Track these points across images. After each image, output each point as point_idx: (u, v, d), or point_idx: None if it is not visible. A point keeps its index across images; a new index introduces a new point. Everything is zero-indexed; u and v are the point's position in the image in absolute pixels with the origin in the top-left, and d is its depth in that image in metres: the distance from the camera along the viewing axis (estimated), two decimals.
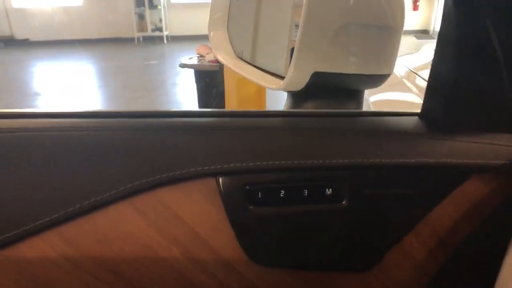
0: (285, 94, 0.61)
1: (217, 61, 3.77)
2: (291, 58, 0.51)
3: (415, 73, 1.35)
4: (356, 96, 0.58)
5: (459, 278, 0.47)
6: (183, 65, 3.92)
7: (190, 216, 0.42)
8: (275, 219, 0.43)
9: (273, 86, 0.55)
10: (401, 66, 1.47)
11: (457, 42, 0.43)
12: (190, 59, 3.89)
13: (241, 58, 0.67)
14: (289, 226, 0.44)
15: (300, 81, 0.52)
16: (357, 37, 0.51)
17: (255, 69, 0.63)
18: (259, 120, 0.46)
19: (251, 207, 0.43)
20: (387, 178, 0.44)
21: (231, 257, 0.44)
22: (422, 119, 0.49)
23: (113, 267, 0.43)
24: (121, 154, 0.41)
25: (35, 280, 0.42)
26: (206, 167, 0.42)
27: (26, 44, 8.27)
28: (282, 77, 0.55)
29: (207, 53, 3.86)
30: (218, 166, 0.42)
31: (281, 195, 0.43)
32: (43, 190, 0.40)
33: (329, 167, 0.43)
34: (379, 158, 0.44)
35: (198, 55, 3.92)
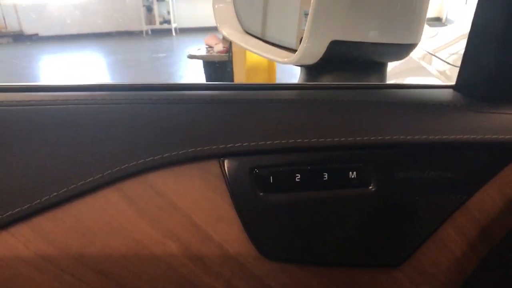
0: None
1: (226, 51, 3.72)
2: (304, 27, 0.45)
3: (434, 55, 1.28)
4: (378, 69, 0.52)
5: (503, 275, 0.41)
6: (191, 56, 3.88)
7: (189, 205, 0.36)
8: (289, 207, 0.37)
9: (285, 59, 0.50)
10: (419, 50, 1.40)
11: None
12: (199, 50, 3.86)
13: (248, 33, 0.62)
14: (306, 215, 0.38)
15: (316, 53, 0.46)
16: (380, 0, 0.45)
17: (264, 43, 0.58)
18: (271, 93, 0.40)
19: (261, 194, 0.37)
20: (421, 159, 0.38)
21: (239, 252, 0.38)
22: (459, 91, 0.43)
23: (97, 265, 0.37)
24: (105, 132, 0.36)
25: (3, 282, 0.36)
26: (208, 147, 0.36)
27: (35, 39, 8.30)
28: (294, 51, 0.49)
29: (216, 44, 3.82)
30: (222, 146, 0.36)
31: (297, 180, 0.37)
32: (11, 176, 0.35)
33: (353, 146, 0.37)
34: (411, 135, 0.37)
35: (207, 46, 3.89)
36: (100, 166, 0.35)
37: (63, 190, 0.34)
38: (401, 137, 0.37)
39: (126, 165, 0.35)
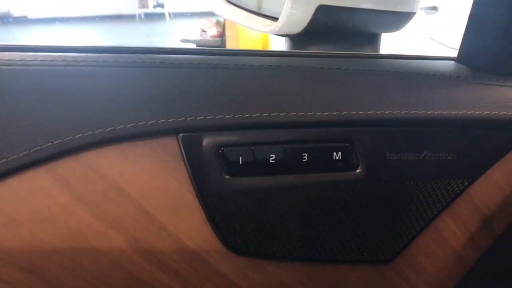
0: None
1: (220, 36, 3.65)
2: None
3: (436, 40, 1.23)
4: (371, 41, 0.47)
5: (506, 270, 0.37)
6: (184, 40, 3.81)
7: (139, 190, 0.31)
8: (261, 194, 0.32)
9: (267, 28, 0.45)
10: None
11: None
12: (192, 34, 3.79)
13: (230, 2, 0.56)
14: (282, 204, 0.33)
15: (300, 20, 0.41)
16: None
17: (246, 12, 0.52)
18: (245, 59, 0.35)
19: (228, 177, 0.32)
20: (418, 138, 0.33)
21: (200, 246, 0.33)
22: (462, 63, 0.38)
23: (24, 262, 0.31)
24: (34, 100, 0.29)
25: None
26: (163, 121, 0.30)
27: (24, 21, 8.08)
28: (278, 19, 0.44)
29: (209, 28, 3.75)
30: (181, 119, 0.30)
31: (271, 161, 0.32)
32: None
33: (339, 122, 0.32)
34: (407, 110, 0.32)
35: (201, 30, 3.81)
36: (26, 142, 0.29)
37: None
38: (395, 112, 0.32)
39: (60, 140, 0.29)
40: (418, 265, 0.37)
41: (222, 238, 0.33)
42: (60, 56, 0.31)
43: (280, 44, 0.50)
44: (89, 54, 0.32)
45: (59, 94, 0.30)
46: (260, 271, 0.35)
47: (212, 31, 3.74)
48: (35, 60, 0.31)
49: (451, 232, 0.36)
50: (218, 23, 3.69)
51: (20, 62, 0.30)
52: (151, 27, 7.89)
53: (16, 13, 8.21)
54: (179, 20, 8.37)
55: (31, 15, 8.23)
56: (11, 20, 7.96)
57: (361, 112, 0.32)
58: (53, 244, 0.30)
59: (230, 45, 3.14)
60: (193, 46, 3.75)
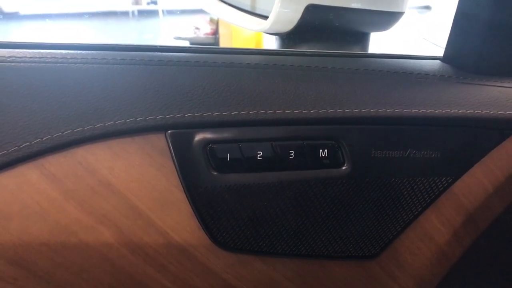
0: None
1: (213, 33, 3.64)
2: None
3: (427, 40, 1.24)
4: (360, 40, 0.47)
5: (489, 265, 0.37)
6: (178, 38, 3.79)
7: (128, 186, 0.31)
8: (248, 190, 0.33)
9: (257, 27, 0.45)
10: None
11: None
12: (185, 32, 3.77)
13: (222, 1, 0.57)
14: (268, 200, 0.33)
15: (290, 18, 0.41)
16: None
17: (237, 11, 0.53)
18: (232, 57, 0.35)
19: (215, 173, 0.32)
20: (403, 136, 0.34)
21: (188, 241, 0.33)
22: (447, 63, 0.39)
23: (13, 256, 0.31)
24: (23, 96, 0.30)
25: None
26: (152, 117, 0.30)
27: (15, 17, 8.00)
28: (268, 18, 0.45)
29: (203, 25, 3.73)
30: (169, 116, 0.30)
31: (258, 158, 0.32)
32: None
33: (325, 120, 0.33)
34: (392, 108, 0.33)
35: (194, 27, 3.80)
36: (16, 138, 0.29)
37: None
38: (380, 110, 0.33)
39: (49, 136, 0.29)
40: (403, 261, 0.37)
41: (209, 233, 0.33)
42: (50, 53, 0.32)
43: (274, 43, 0.51)
44: (78, 51, 0.32)
45: (49, 91, 0.30)
46: (247, 266, 0.36)
47: (205, 29, 3.73)
48: (24, 57, 0.31)
49: (436, 229, 0.37)
50: (212, 20, 3.68)
51: (9, 59, 0.30)
52: (144, 24, 7.83)
53: (7, 9, 8.13)
54: (172, 17, 8.32)
55: (22, 11, 8.15)
56: (1, 16, 7.88)
57: (347, 110, 0.32)
58: (42, 239, 0.31)
59: (224, 43, 3.14)
60: (186, 43, 3.74)
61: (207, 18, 3.77)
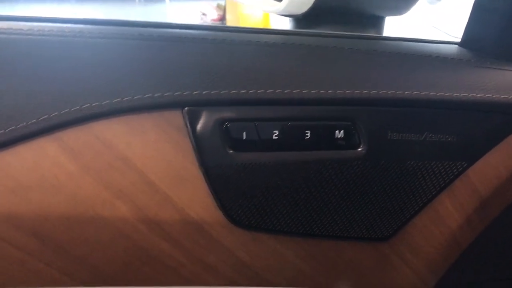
0: None
1: (220, 19, 3.61)
2: None
3: (439, 29, 1.23)
4: (374, 24, 0.47)
5: (500, 253, 0.37)
6: None
7: (145, 162, 0.31)
8: (264, 169, 0.33)
9: (271, 8, 0.45)
10: None
11: None
12: (192, 17, 3.75)
13: None
14: (283, 179, 0.33)
15: (304, 1, 0.41)
16: None
17: None
18: (250, 36, 0.35)
19: (231, 152, 0.32)
20: (420, 119, 0.34)
21: (204, 218, 0.33)
22: (465, 48, 0.38)
23: (32, 228, 0.31)
24: (42, 69, 0.29)
25: None
26: (168, 94, 0.30)
27: (14, 0, 7.98)
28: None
29: (210, 11, 3.71)
30: (187, 93, 0.30)
31: (274, 137, 0.32)
32: None
33: (342, 101, 0.32)
34: (410, 91, 0.33)
35: (201, 13, 3.77)
36: (34, 110, 0.29)
37: None
38: (398, 92, 0.33)
39: (67, 110, 0.29)
40: (415, 244, 0.38)
41: (224, 211, 0.34)
42: (67, 27, 0.31)
43: (287, 25, 0.50)
44: (96, 27, 0.32)
45: (67, 65, 0.30)
46: (261, 244, 0.36)
47: (212, 15, 3.70)
48: (42, 30, 0.31)
49: (449, 213, 0.37)
50: (219, 6, 3.65)
51: (28, 31, 0.30)
52: (150, 9, 7.78)
53: None
54: (179, 3, 8.26)
55: None
56: None
57: (364, 92, 0.32)
58: (60, 212, 0.31)
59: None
60: None
61: (214, 4, 3.73)
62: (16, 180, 0.30)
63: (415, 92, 0.33)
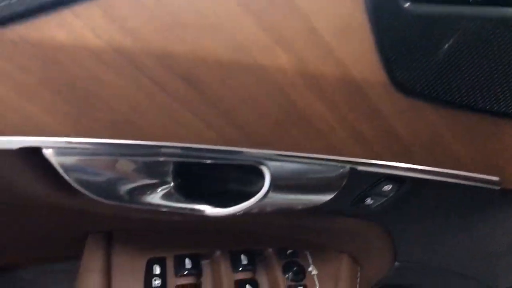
0: None
1: None
2: None
3: None
4: None
5: None
6: None
7: (309, 5, 0.27)
8: (444, 27, 0.28)
9: None
10: None
11: None
12: None
13: None
14: (466, 42, 0.29)
15: None
16: None
17: None
18: None
19: (407, 5, 0.28)
20: None
21: (365, 78, 0.30)
22: None
23: (183, 71, 0.28)
24: None
25: (66, 77, 0.27)
26: None
27: None
28: None
29: None
30: None
31: None
32: None
33: None
34: None
35: None
36: None
37: None
38: None
39: None
40: None
41: (389, 71, 0.30)
42: None
43: None
44: None
45: None
46: (419, 114, 0.32)
47: None
48: None
49: None
50: None
51: None
52: None
53: None
54: None
55: None
56: None
57: None
58: (216, 55, 0.28)
59: None
60: None
61: None
62: (173, 16, 0.26)
63: None
